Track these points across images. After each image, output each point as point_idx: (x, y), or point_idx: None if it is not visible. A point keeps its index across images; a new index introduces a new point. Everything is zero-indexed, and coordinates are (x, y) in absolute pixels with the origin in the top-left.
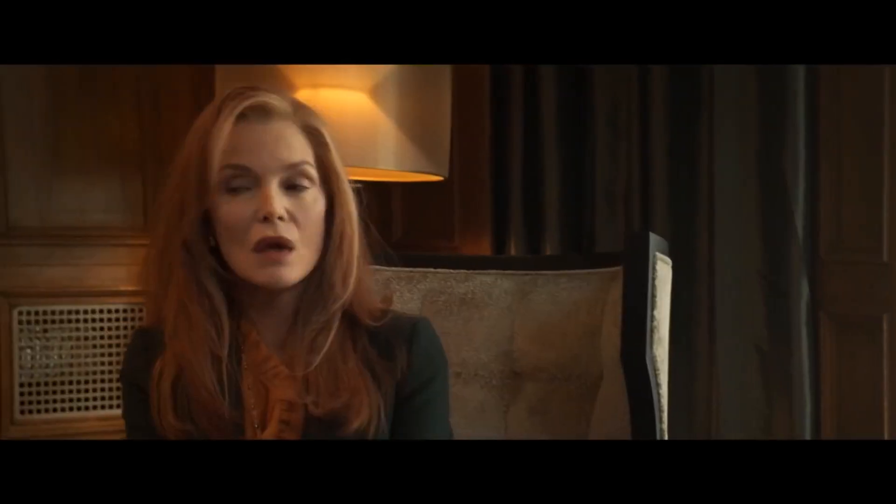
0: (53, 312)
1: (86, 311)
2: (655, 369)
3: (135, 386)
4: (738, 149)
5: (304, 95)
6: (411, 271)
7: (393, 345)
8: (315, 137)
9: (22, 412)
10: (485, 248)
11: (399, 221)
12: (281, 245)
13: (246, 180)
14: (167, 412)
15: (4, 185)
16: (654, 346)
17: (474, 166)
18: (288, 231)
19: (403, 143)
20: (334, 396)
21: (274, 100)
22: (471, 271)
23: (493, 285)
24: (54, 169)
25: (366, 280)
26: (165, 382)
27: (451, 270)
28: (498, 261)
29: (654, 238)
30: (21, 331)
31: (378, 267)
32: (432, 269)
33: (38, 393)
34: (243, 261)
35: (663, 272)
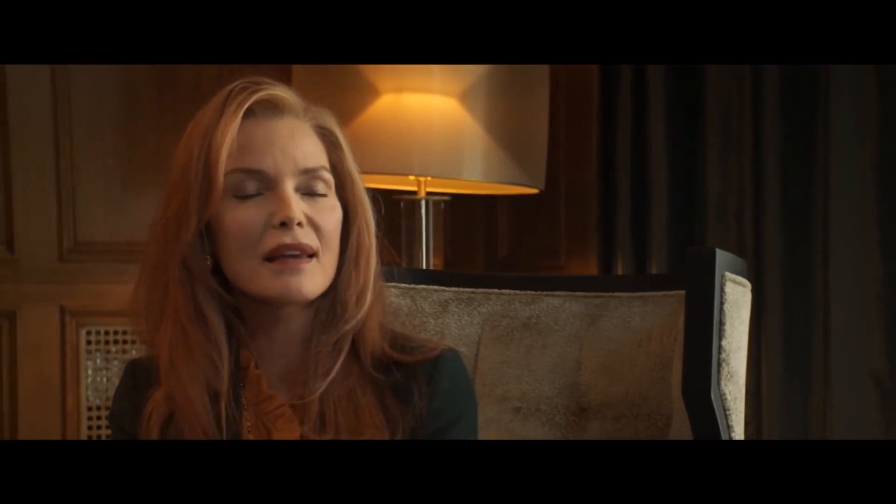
0: (125, 333)
1: None
2: (725, 409)
3: (122, 431)
4: (856, 159)
5: (386, 101)
6: (473, 292)
7: (410, 381)
8: (328, 139)
9: (89, 437)
10: (592, 267)
11: (505, 238)
12: (301, 251)
13: (257, 184)
14: None
15: (72, 197)
16: (723, 382)
17: (582, 180)
18: (308, 237)
19: (493, 151)
20: (356, 434)
21: (285, 93)
22: (538, 293)
23: (561, 308)
24: (127, 180)
25: (379, 301)
26: (154, 427)
27: (517, 291)
28: (567, 281)
29: (722, 255)
30: (90, 352)
31: (437, 287)
32: (496, 290)
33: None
34: (253, 272)
35: (735, 295)
